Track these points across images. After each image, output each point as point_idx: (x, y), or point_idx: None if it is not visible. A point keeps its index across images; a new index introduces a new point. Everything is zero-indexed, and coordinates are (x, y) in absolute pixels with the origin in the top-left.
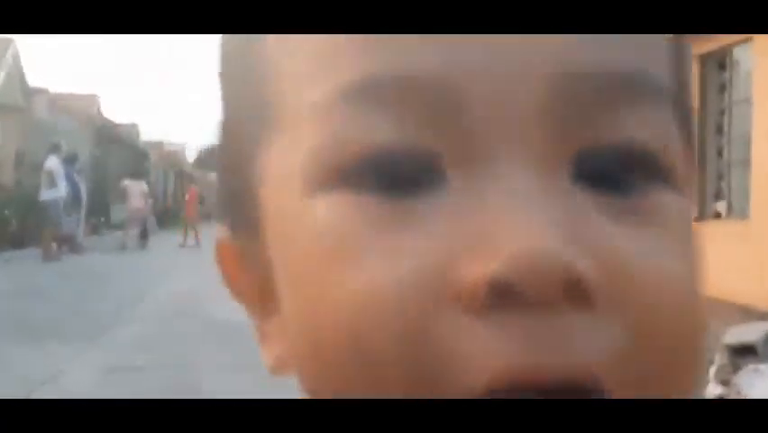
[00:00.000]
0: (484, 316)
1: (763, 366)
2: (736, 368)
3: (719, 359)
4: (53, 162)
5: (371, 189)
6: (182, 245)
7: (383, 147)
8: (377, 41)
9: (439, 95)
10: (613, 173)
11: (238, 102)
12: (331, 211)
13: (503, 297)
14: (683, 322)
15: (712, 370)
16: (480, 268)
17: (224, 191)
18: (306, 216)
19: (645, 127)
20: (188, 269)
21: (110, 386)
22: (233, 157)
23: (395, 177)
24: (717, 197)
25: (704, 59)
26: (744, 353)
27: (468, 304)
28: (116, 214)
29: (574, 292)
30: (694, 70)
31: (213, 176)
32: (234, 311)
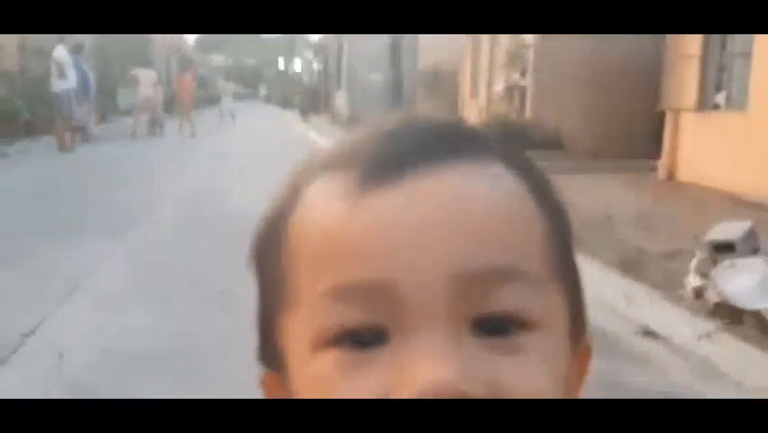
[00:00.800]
0: None
1: (739, 262)
2: (715, 263)
3: (701, 254)
4: (61, 53)
5: (346, 349)
6: (180, 135)
7: (352, 328)
8: (348, 256)
9: (383, 291)
10: (498, 327)
11: (267, 281)
12: (324, 361)
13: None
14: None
15: (693, 263)
16: (407, 393)
17: (261, 339)
18: (311, 364)
19: (517, 299)
20: (198, 158)
21: (146, 280)
22: (265, 314)
23: (358, 342)
24: (718, 88)
25: None
26: (723, 249)
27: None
28: (122, 100)
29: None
30: None
31: (216, 59)
32: (250, 204)
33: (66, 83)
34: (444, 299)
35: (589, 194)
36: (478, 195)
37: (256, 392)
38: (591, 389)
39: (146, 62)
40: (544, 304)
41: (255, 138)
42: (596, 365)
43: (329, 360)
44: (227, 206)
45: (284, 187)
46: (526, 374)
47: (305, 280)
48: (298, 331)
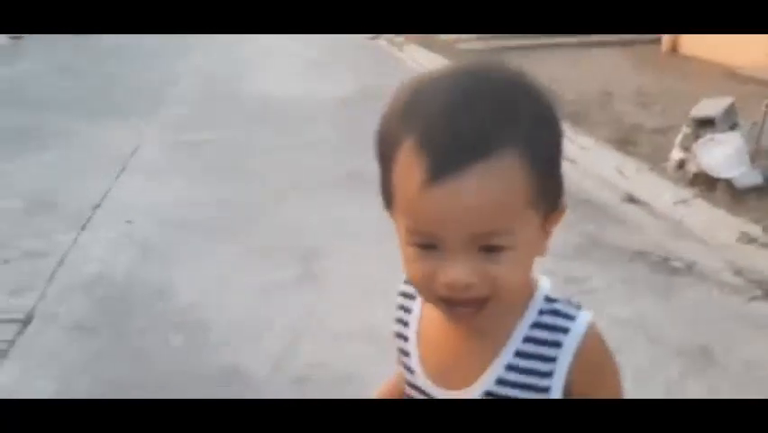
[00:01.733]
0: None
1: (717, 136)
2: (697, 137)
3: (684, 129)
4: None
5: (417, 246)
6: None
7: (419, 243)
8: (418, 215)
9: (433, 236)
10: (491, 250)
11: (385, 167)
12: (406, 245)
13: (449, 291)
14: (514, 295)
15: (678, 138)
16: (441, 280)
17: (382, 186)
18: (401, 233)
19: (503, 240)
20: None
21: (178, 161)
22: (383, 178)
23: (423, 245)
24: None
25: None
26: (705, 124)
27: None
28: None
29: (467, 292)
30: None
31: None
32: (269, 89)
33: None
34: (462, 241)
35: (592, 68)
36: (489, 190)
37: (279, 249)
38: (578, 246)
39: None
40: (522, 235)
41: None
42: (584, 227)
43: (409, 246)
44: (247, 87)
45: (385, 124)
46: (507, 270)
47: (401, 207)
48: (398, 213)
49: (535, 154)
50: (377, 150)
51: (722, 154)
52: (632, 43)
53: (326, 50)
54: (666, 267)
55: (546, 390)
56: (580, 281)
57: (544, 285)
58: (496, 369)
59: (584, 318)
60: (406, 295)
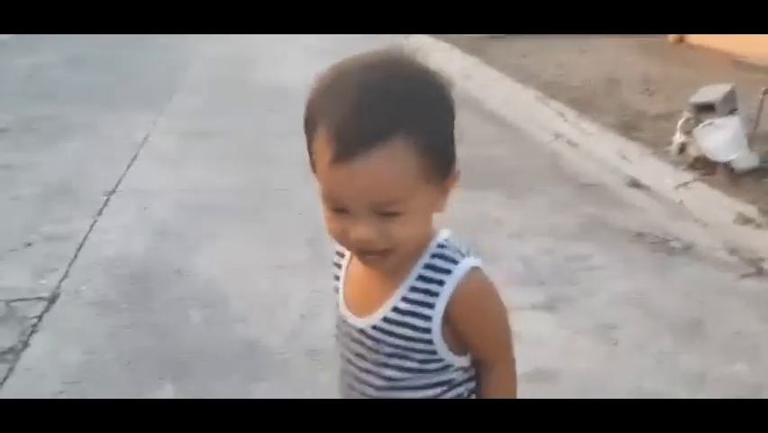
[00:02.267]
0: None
1: (717, 121)
2: (697, 122)
3: (686, 114)
4: None
5: (332, 210)
6: None
7: (333, 207)
8: (331, 186)
9: (341, 203)
10: (389, 213)
11: (309, 141)
12: (326, 208)
13: (357, 245)
14: (411, 246)
15: (680, 122)
16: (349, 238)
17: (310, 156)
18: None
19: (398, 205)
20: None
21: (190, 148)
22: (309, 150)
23: (337, 210)
24: None
25: None
26: (705, 109)
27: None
28: None
29: (370, 246)
30: None
31: None
32: (281, 77)
33: None
34: (364, 209)
35: (599, 56)
36: (382, 170)
37: (287, 232)
38: (581, 226)
39: None
40: (415, 202)
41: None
42: (587, 210)
43: (326, 207)
44: (256, 75)
45: (308, 106)
46: (402, 229)
47: (319, 177)
48: (319, 183)
49: (423, 141)
50: (304, 127)
51: (721, 138)
52: (639, 34)
53: (338, 40)
54: (665, 246)
55: (429, 318)
56: (581, 259)
57: (442, 234)
58: (393, 300)
59: (466, 263)
60: (338, 253)
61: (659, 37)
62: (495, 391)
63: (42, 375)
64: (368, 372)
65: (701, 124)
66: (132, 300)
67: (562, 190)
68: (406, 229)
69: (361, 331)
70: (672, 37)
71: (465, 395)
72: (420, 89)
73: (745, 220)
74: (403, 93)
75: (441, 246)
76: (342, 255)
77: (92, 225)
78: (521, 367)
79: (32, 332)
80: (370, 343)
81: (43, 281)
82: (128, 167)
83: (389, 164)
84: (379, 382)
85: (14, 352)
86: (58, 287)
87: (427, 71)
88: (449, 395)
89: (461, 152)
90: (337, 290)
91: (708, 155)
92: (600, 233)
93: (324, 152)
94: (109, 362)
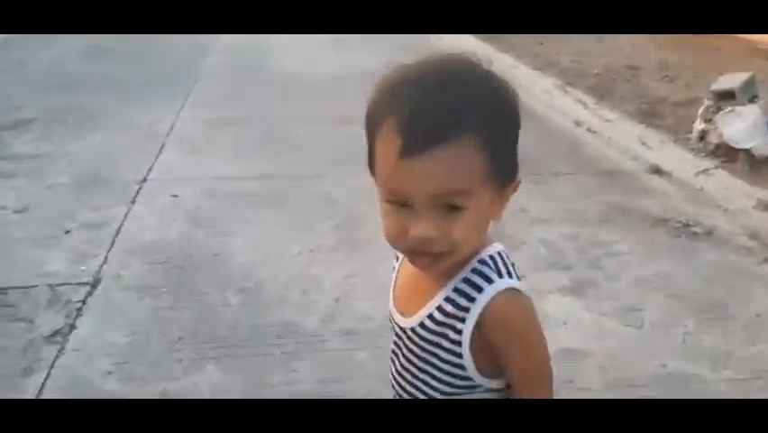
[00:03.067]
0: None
1: (738, 108)
2: (718, 109)
3: (706, 102)
4: None
5: (392, 205)
6: None
7: (394, 202)
8: (395, 181)
9: (406, 197)
10: (452, 208)
11: (370, 142)
12: (384, 203)
13: (416, 243)
14: (466, 252)
15: (700, 110)
16: (410, 234)
17: (369, 157)
18: (380, 194)
19: (461, 199)
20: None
21: (215, 138)
22: (369, 149)
23: (397, 203)
24: None
25: None
26: (725, 97)
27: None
28: None
29: (428, 246)
30: None
31: None
32: (299, 66)
33: None
34: (429, 202)
35: (618, 44)
36: (450, 166)
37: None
38: (602, 213)
39: None
40: (477, 198)
41: None
42: (609, 197)
43: (386, 203)
44: (275, 65)
45: (372, 105)
46: (462, 229)
47: (381, 173)
48: (378, 177)
49: (489, 140)
50: (365, 126)
51: (742, 126)
52: None
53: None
54: (687, 232)
55: (460, 332)
56: (604, 245)
57: (490, 249)
58: (430, 307)
59: (500, 284)
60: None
61: None
62: None
63: (91, 356)
64: (406, 370)
65: (722, 112)
66: (171, 284)
67: (584, 177)
68: (466, 230)
69: (403, 330)
70: None
71: None
72: (492, 95)
73: (765, 206)
74: (476, 95)
75: (482, 262)
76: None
77: (127, 213)
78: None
79: (78, 315)
80: (409, 345)
81: (84, 267)
82: (156, 156)
83: (459, 157)
84: (417, 389)
85: (62, 334)
86: (99, 272)
87: (498, 79)
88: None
89: None
90: (390, 290)
91: (729, 142)
92: (623, 219)
93: (392, 146)
94: (153, 343)
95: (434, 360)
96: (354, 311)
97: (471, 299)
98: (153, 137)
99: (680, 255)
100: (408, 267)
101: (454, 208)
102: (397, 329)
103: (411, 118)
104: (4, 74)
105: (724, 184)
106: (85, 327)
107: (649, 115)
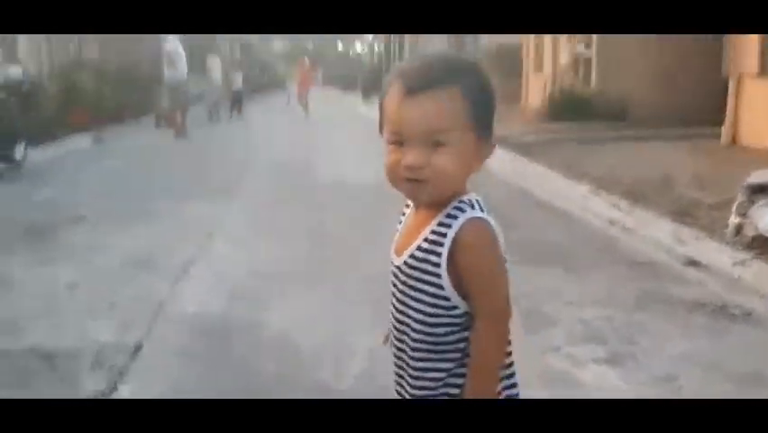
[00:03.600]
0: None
1: None
2: (751, 204)
3: (740, 197)
4: (172, 45)
5: (392, 144)
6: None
7: (393, 140)
8: (395, 121)
9: (401, 134)
10: (437, 143)
11: (382, 98)
12: (387, 144)
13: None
14: (446, 184)
15: (734, 205)
16: (403, 163)
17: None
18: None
19: (446, 137)
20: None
21: (257, 229)
22: (381, 105)
23: (395, 142)
24: None
25: None
26: (759, 191)
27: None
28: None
29: (415, 173)
30: None
31: (276, 45)
32: (327, 175)
33: (176, 73)
34: (419, 138)
35: (650, 158)
36: (439, 104)
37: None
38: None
39: (212, 49)
40: (460, 137)
41: (325, 119)
42: (645, 285)
43: (388, 144)
44: (311, 171)
45: (384, 81)
46: (444, 161)
47: (385, 121)
48: (384, 127)
49: (470, 95)
50: (379, 102)
51: None
52: (690, 137)
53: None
54: (724, 313)
55: (439, 255)
56: (640, 324)
57: (469, 195)
58: (419, 240)
59: (471, 214)
60: (406, 206)
61: (711, 140)
62: (474, 345)
63: None
64: (401, 312)
65: (756, 205)
66: (212, 350)
67: (619, 267)
68: (446, 162)
69: (398, 268)
70: (724, 139)
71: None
72: (475, 71)
73: None
74: (462, 66)
75: (461, 201)
76: (407, 207)
77: (171, 288)
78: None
79: (120, 379)
80: (402, 278)
81: (128, 335)
82: (203, 244)
83: (446, 100)
84: (407, 320)
85: (105, 395)
86: (141, 339)
87: (477, 64)
88: (454, 337)
89: (517, 234)
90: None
91: (765, 234)
92: (658, 304)
93: (395, 92)
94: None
95: (420, 285)
96: (386, 378)
97: (449, 226)
98: (200, 228)
99: (717, 333)
100: (408, 219)
101: (439, 145)
102: (394, 269)
103: (410, 69)
104: (64, 183)
105: (762, 272)
106: (126, 389)
107: (684, 214)
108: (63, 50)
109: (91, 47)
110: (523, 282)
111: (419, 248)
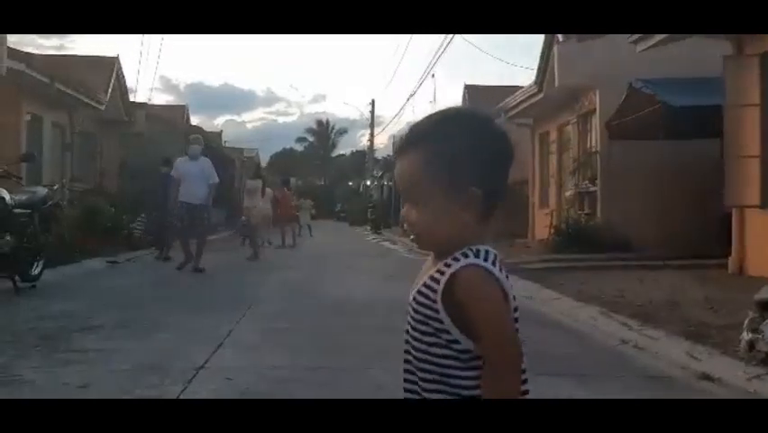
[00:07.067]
0: None
1: None
2: (763, 319)
3: (751, 313)
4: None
5: None
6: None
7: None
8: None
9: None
10: (414, 199)
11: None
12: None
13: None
14: (429, 238)
15: (746, 321)
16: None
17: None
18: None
19: (417, 196)
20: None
21: (270, 340)
22: None
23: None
24: None
25: (763, 58)
26: None
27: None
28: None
29: (408, 225)
30: (755, 71)
31: (282, 179)
32: (337, 294)
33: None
34: (403, 196)
35: (659, 284)
36: (402, 166)
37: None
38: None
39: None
40: (429, 198)
41: (337, 246)
42: (658, 396)
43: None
44: (323, 292)
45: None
46: (420, 217)
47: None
48: None
49: (436, 157)
50: None
51: None
52: (697, 266)
53: (401, 266)
54: None
55: (436, 291)
56: None
57: (477, 245)
58: (424, 279)
59: (469, 260)
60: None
61: (718, 269)
62: (484, 386)
63: None
64: (407, 342)
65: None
66: None
67: (632, 380)
68: (420, 217)
69: (410, 304)
70: (731, 268)
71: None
72: (464, 129)
73: None
74: (445, 127)
75: (466, 250)
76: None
77: (181, 391)
78: None
79: None
80: (411, 313)
81: None
82: (214, 351)
83: (407, 162)
84: (413, 350)
85: None
86: None
87: (483, 123)
88: (459, 372)
89: (529, 348)
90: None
91: None
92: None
93: None
94: None
95: (424, 318)
96: None
97: (448, 266)
98: (212, 338)
99: None
100: (426, 264)
101: (417, 202)
102: (408, 307)
103: (402, 136)
104: (82, 298)
105: None
106: None
107: (696, 334)
108: (85, 179)
109: (110, 178)
110: (535, 392)
111: (424, 285)
